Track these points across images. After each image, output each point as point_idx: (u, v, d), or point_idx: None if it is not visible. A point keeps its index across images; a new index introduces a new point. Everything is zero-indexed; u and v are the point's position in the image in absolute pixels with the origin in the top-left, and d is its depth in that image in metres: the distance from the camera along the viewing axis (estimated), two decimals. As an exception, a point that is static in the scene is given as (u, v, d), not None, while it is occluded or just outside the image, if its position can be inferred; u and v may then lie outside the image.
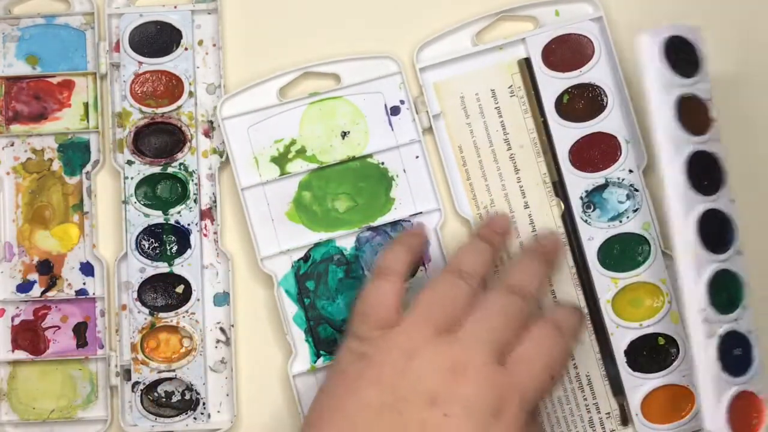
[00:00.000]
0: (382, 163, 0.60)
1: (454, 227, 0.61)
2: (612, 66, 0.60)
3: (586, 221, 0.60)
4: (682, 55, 0.53)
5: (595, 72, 0.60)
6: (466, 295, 0.52)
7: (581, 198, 0.60)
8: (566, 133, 0.60)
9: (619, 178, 0.60)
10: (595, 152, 0.60)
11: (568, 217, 0.60)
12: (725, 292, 0.52)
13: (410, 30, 0.61)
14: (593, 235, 0.59)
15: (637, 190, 0.60)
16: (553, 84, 0.60)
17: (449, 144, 0.61)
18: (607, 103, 0.60)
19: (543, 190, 0.60)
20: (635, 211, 0.59)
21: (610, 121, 0.60)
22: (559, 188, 0.60)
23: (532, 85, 0.60)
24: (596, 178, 0.60)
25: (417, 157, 0.60)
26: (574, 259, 0.60)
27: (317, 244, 0.60)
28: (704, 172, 0.53)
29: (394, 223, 0.60)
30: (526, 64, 0.61)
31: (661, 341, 0.59)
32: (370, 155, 0.60)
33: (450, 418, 0.48)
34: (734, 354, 0.52)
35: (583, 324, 0.57)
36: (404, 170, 0.60)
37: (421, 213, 0.60)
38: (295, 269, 0.60)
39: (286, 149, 0.60)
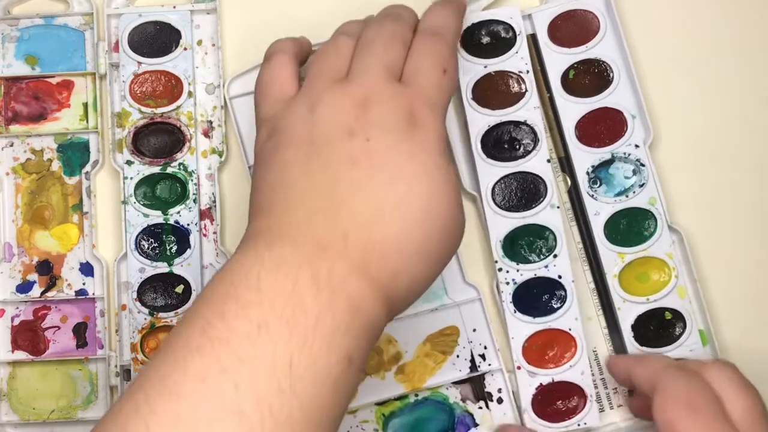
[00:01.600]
0: (389, 142, 0.60)
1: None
2: (618, 41, 0.60)
3: (592, 196, 0.60)
4: (485, 37, 0.60)
5: (601, 47, 0.60)
6: (351, 45, 0.53)
7: (587, 173, 0.60)
8: (572, 109, 0.60)
9: (625, 153, 0.60)
10: (602, 127, 0.60)
11: (574, 192, 0.60)
12: (535, 243, 0.59)
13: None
14: (599, 210, 0.60)
15: (643, 165, 0.60)
16: (559, 60, 0.60)
17: (455, 121, 0.61)
18: (613, 78, 0.60)
19: (550, 156, 0.60)
20: (641, 186, 0.60)
21: (616, 97, 0.60)
22: (566, 163, 0.60)
23: (538, 61, 0.61)
24: (602, 154, 0.60)
25: None
26: (581, 235, 0.60)
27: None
28: (510, 141, 0.59)
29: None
30: (532, 40, 0.61)
31: (668, 316, 0.59)
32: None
33: (372, 140, 0.48)
34: (543, 299, 0.59)
35: (456, 8, 0.56)
36: (410, 148, 0.60)
37: None
38: None
39: (294, 126, 0.60)
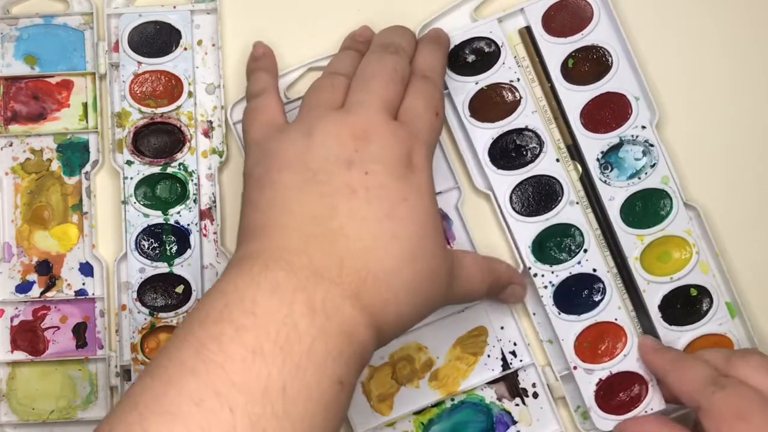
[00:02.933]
0: (397, 148, 0.60)
1: (475, 203, 0.61)
2: (613, 25, 0.60)
3: (605, 182, 0.60)
4: (472, 53, 0.60)
5: (597, 33, 0.60)
6: (346, 83, 0.54)
7: (598, 159, 0.60)
8: (575, 97, 0.60)
9: (633, 136, 0.60)
10: (606, 113, 0.60)
11: (587, 180, 0.60)
12: (563, 242, 0.59)
13: (408, 13, 0.61)
14: (614, 195, 0.60)
15: (652, 145, 0.60)
16: (556, 50, 0.60)
17: (461, 134, 0.61)
18: (612, 62, 0.60)
19: (559, 155, 0.60)
20: (653, 166, 0.60)
21: (617, 80, 0.60)
22: (575, 152, 0.60)
23: (536, 53, 0.61)
24: (610, 138, 0.60)
25: None
26: (598, 221, 0.60)
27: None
28: (516, 148, 0.60)
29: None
30: (527, 33, 0.61)
31: (694, 292, 0.59)
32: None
33: (370, 174, 0.49)
34: (582, 294, 0.59)
35: (443, 48, 0.58)
36: (419, 152, 0.60)
37: (440, 192, 0.60)
38: None
39: (300, 146, 0.60)
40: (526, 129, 0.60)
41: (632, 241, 0.59)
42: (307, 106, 0.53)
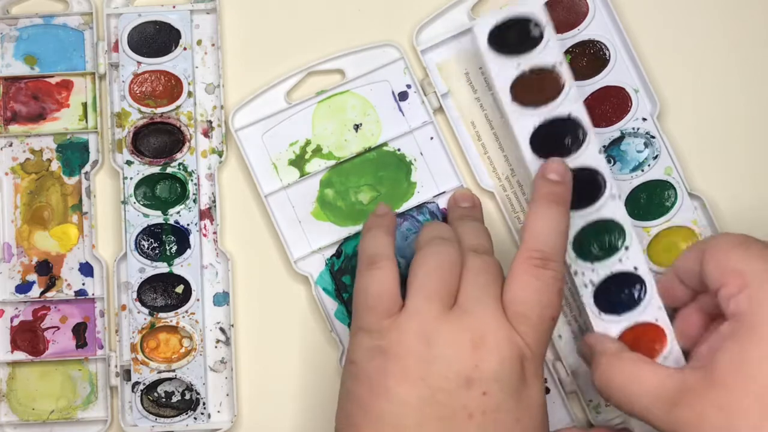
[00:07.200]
0: (398, 150, 0.60)
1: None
2: (610, 18, 0.60)
3: None
4: (514, 34, 0.56)
5: (593, 27, 0.60)
6: (455, 258, 0.52)
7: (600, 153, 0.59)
8: None
9: (634, 128, 0.60)
10: (606, 106, 0.60)
11: None
12: (603, 239, 0.56)
13: (406, 14, 0.61)
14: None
15: (653, 137, 0.60)
16: None
17: (461, 121, 0.61)
18: (609, 56, 0.60)
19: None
20: (655, 158, 0.60)
21: (615, 74, 0.60)
22: None
23: None
24: (611, 132, 0.60)
25: (431, 138, 0.60)
26: None
27: (347, 239, 0.60)
28: (558, 138, 0.55)
29: (420, 207, 0.60)
30: None
31: None
32: (385, 144, 0.60)
33: (488, 395, 0.48)
34: (623, 294, 0.55)
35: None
36: (421, 153, 0.60)
37: (444, 192, 0.60)
38: (329, 266, 0.60)
39: (302, 150, 0.60)
40: (569, 117, 0.56)
41: (639, 233, 0.59)
42: (422, 296, 0.50)
